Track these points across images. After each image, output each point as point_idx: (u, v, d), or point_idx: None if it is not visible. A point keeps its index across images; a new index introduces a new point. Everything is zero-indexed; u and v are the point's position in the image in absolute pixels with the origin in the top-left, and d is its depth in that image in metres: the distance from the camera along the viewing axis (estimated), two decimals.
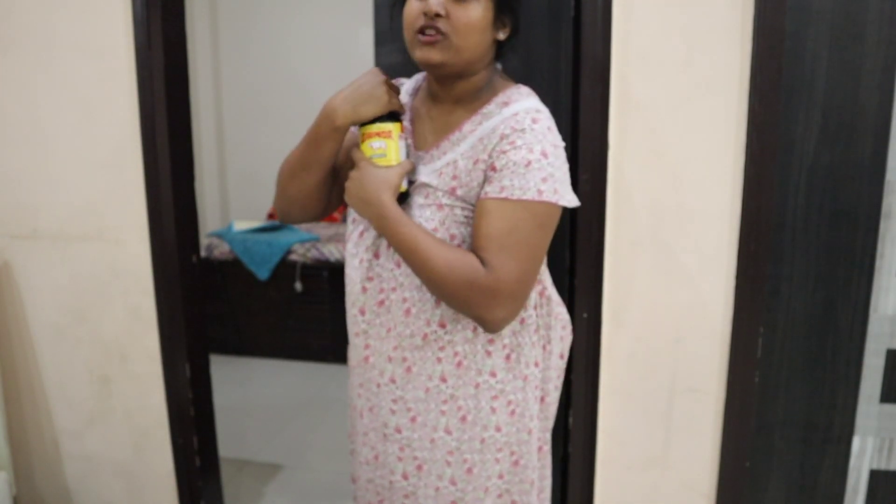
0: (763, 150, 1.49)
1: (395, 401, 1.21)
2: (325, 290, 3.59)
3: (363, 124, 1.13)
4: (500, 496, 1.25)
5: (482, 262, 1.06)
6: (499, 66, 1.22)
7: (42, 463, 2.13)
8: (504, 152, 1.07)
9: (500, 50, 1.16)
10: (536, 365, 1.22)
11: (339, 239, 3.74)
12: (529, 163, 1.06)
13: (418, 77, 1.28)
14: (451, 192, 1.12)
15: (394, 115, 1.14)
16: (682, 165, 1.55)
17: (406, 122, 1.22)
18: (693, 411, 1.66)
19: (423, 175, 1.15)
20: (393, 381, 1.20)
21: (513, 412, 1.20)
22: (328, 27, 4.40)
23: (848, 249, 1.54)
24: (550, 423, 1.31)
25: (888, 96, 1.46)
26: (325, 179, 1.20)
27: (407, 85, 1.28)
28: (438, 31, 1.06)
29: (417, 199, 1.14)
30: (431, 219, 1.12)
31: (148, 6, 1.75)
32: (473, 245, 1.09)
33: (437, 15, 1.05)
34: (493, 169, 1.08)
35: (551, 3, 1.66)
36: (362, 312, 1.21)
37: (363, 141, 1.13)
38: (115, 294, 1.96)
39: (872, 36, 1.44)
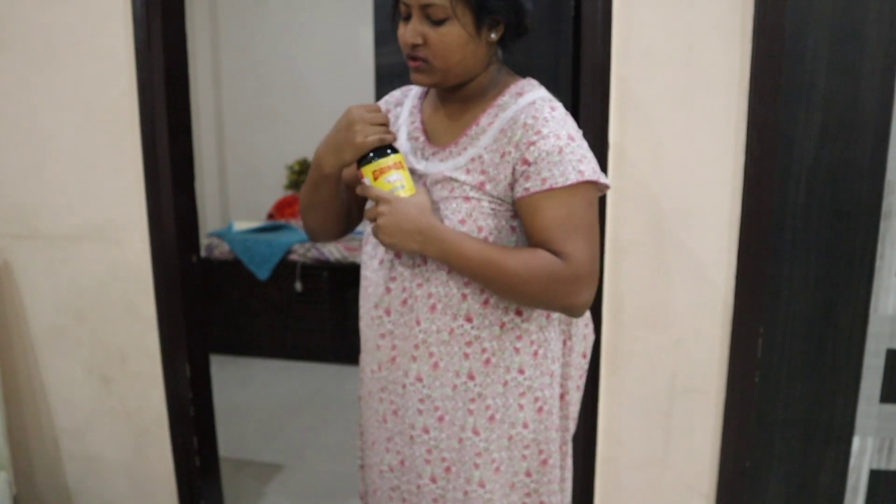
0: (763, 149, 1.49)
1: (422, 400, 1.20)
2: (325, 290, 3.59)
3: (366, 163, 1.11)
4: (528, 495, 1.24)
5: (554, 253, 1.07)
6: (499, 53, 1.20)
7: (42, 463, 2.13)
8: (532, 143, 1.07)
9: (504, 43, 1.14)
10: (558, 360, 1.22)
11: (339, 239, 3.73)
12: (561, 149, 1.06)
13: None
14: (480, 186, 1.11)
15: (391, 147, 1.12)
16: (682, 165, 1.55)
17: (417, 123, 1.22)
18: (693, 411, 1.66)
19: (446, 171, 1.14)
20: (420, 379, 1.19)
21: (540, 409, 1.20)
22: (328, 27, 4.40)
23: (848, 249, 1.54)
24: (571, 424, 1.30)
25: (888, 96, 1.46)
26: (335, 210, 1.26)
27: (416, 89, 1.28)
28: (421, 57, 1.08)
29: (441, 193, 1.14)
30: (458, 210, 1.11)
31: (148, 6, 1.75)
32: (533, 241, 1.10)
33: (416, 45, 1.07)
34: (527, 162, 1.07)
35: (551, 3, 1.66)
36: (388, 313, 1.20)
37: (377, 178, 1.10)
38: (115, 294, 1.96)
39: (872, 36, 1.44)
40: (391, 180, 1.10)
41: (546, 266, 1.06)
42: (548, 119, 1.08)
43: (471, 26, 1.06)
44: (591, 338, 1.30)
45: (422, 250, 1.08)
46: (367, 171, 1.11)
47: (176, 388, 1.99)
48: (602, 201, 1.57)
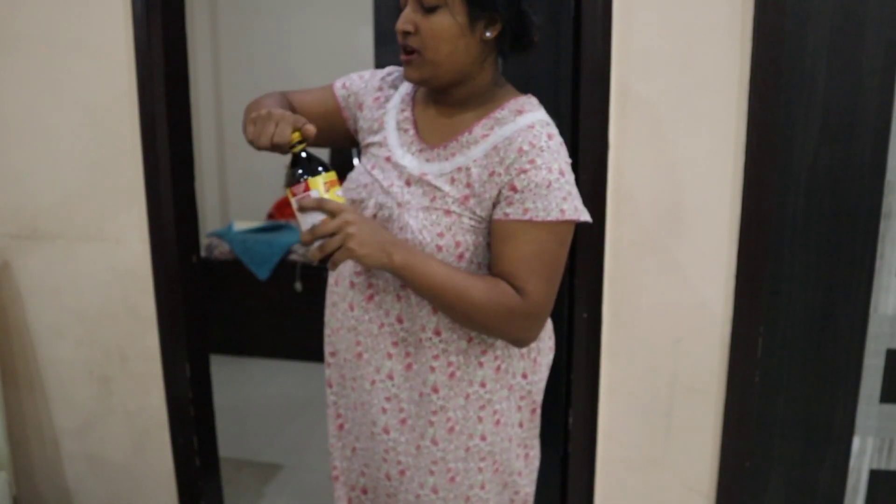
0: (763, 149, 1.49)
1: (388, 399, 1.19)
2: (325, 290, 3.58)
3: (316, 174, 1.02)
4: None
5: (514, 287, 1.06)
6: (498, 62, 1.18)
7: (42, 463, 2.13)
8: (524, 171, 1.05)
9: (502, 48, 1.11)
10: (524, 377, 1.21)
11: None
12: (550, 184, 1.05)
13: None
14: (464, 200, 1.09)
15: (324, 166, 1.04)
16: (682, 165, 1.55)
17: (408, 112, 1.19)
18: (693, 411, 1.66)
19: (429, 173, 1.12)
20: (391, 377, 1.18)
21: (497, 422, 1.19)
22: (328, 27, 4.40)
23: (848, 249, 1.54)
24: (538, 430, 1.30)
25: (888, 96, 1.46)
26: None
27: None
28: (413, 49, 1.06)
29: (422, 201, 1.11)
30: (437, 223, 1.09)
31: (148, 6, 1.75)
32: (499, 269, 1.08)
33: (407, 32, 1.05)
34: (514, 189, 1.06)
35: (551, 3, 1.66)
36: (351, 308, 1.21)
37: (328, 191, 1.02)
38: (115, 294, 1.96)
39: (872, 36, 1.44)
40: (340, 195, 1.04)
41: (505, 301, 1.06)
42: (543, 149, 1.06)
43: (463, 18, 1.04)
44: (553, 352, 1.28)
45: (389, 263, 1.03)
46: (317, 183, 1.00)
47: (176, 389, 1.98)
48: (602, 201, 1.58)
